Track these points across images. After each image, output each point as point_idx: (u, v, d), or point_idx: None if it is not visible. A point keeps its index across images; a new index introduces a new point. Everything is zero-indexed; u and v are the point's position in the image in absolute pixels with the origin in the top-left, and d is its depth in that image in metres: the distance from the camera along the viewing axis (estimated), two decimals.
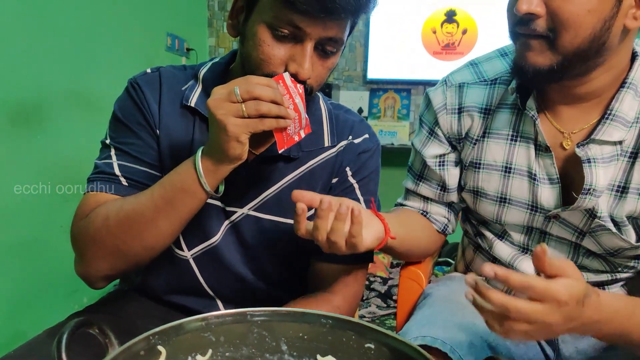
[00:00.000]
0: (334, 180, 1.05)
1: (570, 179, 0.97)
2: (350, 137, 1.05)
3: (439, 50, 3.39)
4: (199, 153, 0.85)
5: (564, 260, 0.72)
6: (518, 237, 1.06)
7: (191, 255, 1.01)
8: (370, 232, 0.86)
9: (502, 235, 1.09)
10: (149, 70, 1.01)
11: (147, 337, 0.61)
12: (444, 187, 1.11)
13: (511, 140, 1.01)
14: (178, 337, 0.65)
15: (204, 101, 0.87)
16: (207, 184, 0.84)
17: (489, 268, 0.68)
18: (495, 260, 1.10)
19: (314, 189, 1.01)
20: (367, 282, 2.83)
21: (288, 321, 0.69)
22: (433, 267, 1.34)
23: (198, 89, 0.98)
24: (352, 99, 3.48)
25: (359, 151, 1.05)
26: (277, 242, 1.02)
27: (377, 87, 3.50)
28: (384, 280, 2.88)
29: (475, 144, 1.04)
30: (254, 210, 1.01)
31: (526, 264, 1.04)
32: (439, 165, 1.09)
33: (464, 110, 1.05)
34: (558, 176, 0.96)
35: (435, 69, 3.35)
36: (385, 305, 2.68)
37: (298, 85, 0.85)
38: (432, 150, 1.09)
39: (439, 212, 1.14)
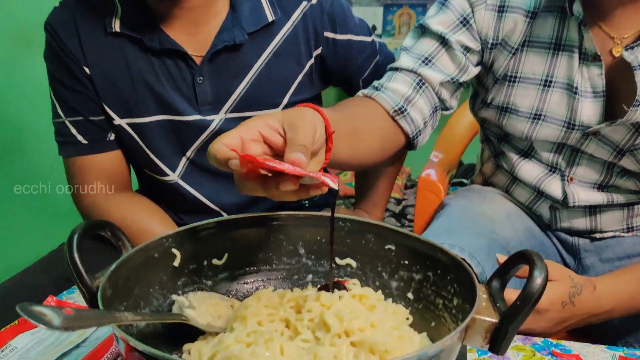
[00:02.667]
0: (318, 52, 0.99)
1: (616, 91, 0.89)
2: (305, 2, 0.97)
3: None
4: None
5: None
6: (547, 155, 0.97)
7: (178, 176, 0.99)
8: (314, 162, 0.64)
9: (528, 153, 1.02)
10: (57, 5, 0.94)
11: (160, 240, 0.60)
12: (453, 79, 0.95)
13: (553, 49, 0.92)
14: (192, 241, 0.63)
15: (129, 21, 0.86)
16: None
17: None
18: (517, 180, 1.05)
19: (292, 70, 0.97)
20: None
21: (305, 225, 0.67)
22: (449, 185, 1.32)
23: (118, 11, 0.91)
24: (365, 16, 3.31)
25: (325, 10, 0.98)
26: None
27: (392, 3, 3.34)
28: (398, 201, 2.88)
29: (513, 54, 0.95)
30: (232, 112, 0.96)
31: (554, 186, 0.98)
32: (464, 52, 0.94)
33: (507, 10, 0.92)
34: (604, 88, 0.89)
35: None
36: (399, 224, 2.69)
37: None
38: (461, 38, 0.94)
39: (422, 111, 0.94)
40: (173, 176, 0.99)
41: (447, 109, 0.99)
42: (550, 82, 0.92)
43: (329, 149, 0.62)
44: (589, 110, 0.89)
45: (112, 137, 0.97)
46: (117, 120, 0.95)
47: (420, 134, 0.95)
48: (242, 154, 0.48)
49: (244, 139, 0.53)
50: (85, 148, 0.96)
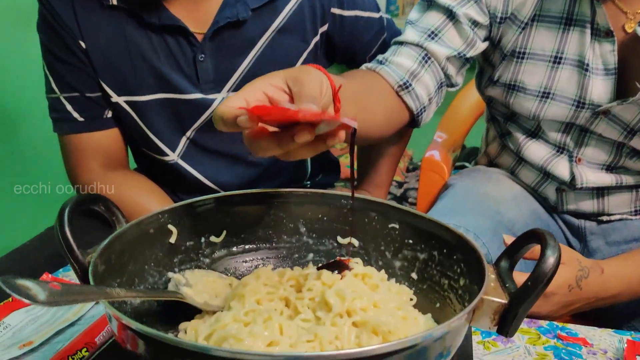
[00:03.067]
0: (324, 28, 0.96)
1: (628, 68, 0.85)
2: None
3: None
4: None
5: None
6: (554, 135, 0.95)
7: (178, 156, 0.97)
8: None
9: (535, 133, 0.99)
10: None
11: (156, 215, 0.58)
12: (460, 54, 0.91)
13: (564, 24, 0.88)
14: (190, 217, 0.61)
15: None
16: None
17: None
18: (523, 161, 1.03)
19: (296, 48, 0.94)
20: None
21: (306, 202, 0.65)
22: (453, 167, 1.29)
23: None
24: None
25: None
26: None
27: None
28: (400, 184, 2.86)
29: (523, 29, 0.91)
30: (234, 90, 0.93)
31: (562, 167, 0.95)
32: (472, 26, 0.91)
33: None
34: (616, 65, 0.85)
35: None
36: None
37: None
38: (469, 11, 0.91)
39: (427, 86, 0.90)
40: (173, 156, 0.97)
41: (452, 85, 0.96)
42: (560, 58, 0.89)
43: (337, 109, 0.58)
44: (600, 89, 0.87)
45: (109, 114, 0.95)
46: (115, 98, 0.92)
47: (424, 111, 0.92)
48: (250, 108, 0.45)
49: (248, 102, 0.49)
50: (81, 126, 0.93)
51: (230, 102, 0.48)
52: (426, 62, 0.90)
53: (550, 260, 0.43)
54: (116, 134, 0.97)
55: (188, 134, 0.96)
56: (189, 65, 0.90)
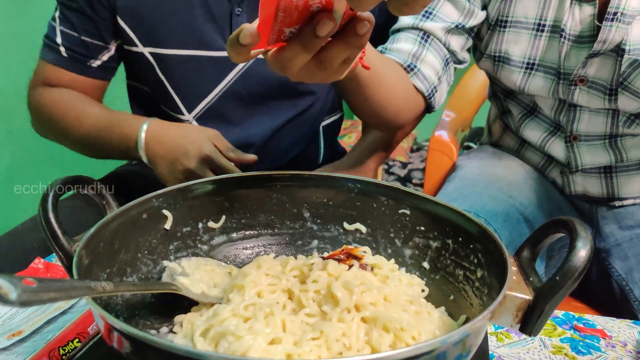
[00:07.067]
0: None
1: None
2: None
3: None
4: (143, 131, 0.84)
5: None
6: (549, 112, 0.92)
7: (193, 118, 0.94)
8: None
9: (532, 110, 0.95)
10: None
11: (149, 199, 0.53)
12: (459, 25, 0.88)
13: None
14: (186, 202, 0.57)
15: None
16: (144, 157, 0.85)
17: None
18: (523, 142, 0.99)
19: None
20: (386, 167, 2.77)
21: (311, 186, 0.61)
22: (461, 147, 1.25)
23: None
24: None
25: None
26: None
27: None
28: (404, 165, 2.82)
29: None
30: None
31: (557, 147, 0.93)
32: None
33: None
34: (595, 32, 0.80)
35: None
36: None
37: None
38: None
39: (432, 65, 0.87)
40: (188, 116, 0.94)
41: (460, 62, 0.91)
42: (543, 26, 0.85)
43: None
44: (575, 56, 0.82)
45: (96, 64, 0.92)
46: (140, 48, 0.89)
47: (436, 91, 0.88)
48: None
49: None
50: (63, 61, 0.92)
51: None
52: (426, 41, 0.86)
53: (582, 253, 0.39)
54: (93, 86, 0.94)
55: (209, 98, 0.93)
56: (224, 18, 0.88)
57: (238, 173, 0.61)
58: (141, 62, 0.91)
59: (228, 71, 0.91)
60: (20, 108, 1.97)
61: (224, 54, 0.89)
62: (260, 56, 0.45)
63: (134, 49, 0.89)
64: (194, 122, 0.94)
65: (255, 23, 0.38)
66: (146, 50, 0.89)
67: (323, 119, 1.06)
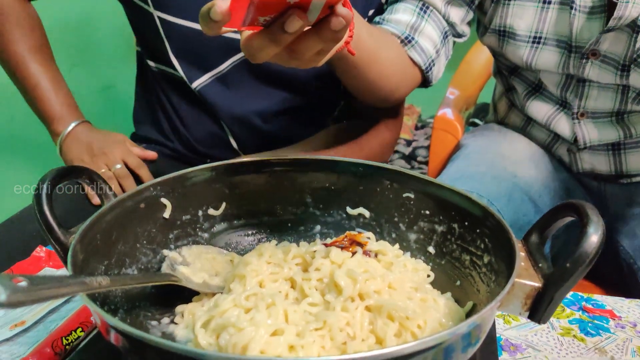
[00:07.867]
0: None
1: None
2: None
3: None
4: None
5: None
6: (555, 89, 0.90)
7: (195, 88, 0.92)
8: None
9: (538, 87, 0.93)
10: None
11: (146, 188, 0.52)
12: None
13: None
14: (185, 189, 0.56)
15: None
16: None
17: None
18: (529, 120, 0.97)
19: None
20: None
21: (313, 170, 0.59)
22: (465, 124, 1.23)
23: None
24: None
25: None
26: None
27: None
28: (408, 142, 2.79)
29: None
30: None
31: (563, 124, 0.90)
32: None
33: None
34: (606, 2, 0.77)
35: None
36: (409, 166, 2.61)
37: None
38: None
39: (431, 37, 0.85)
40: (190, 85, 0.93)
41: (459, 35, 0.89)
42: None
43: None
44: (587, 28, 0.80)
45: None
46: (150, 9, 0.87)
47: (433, 65, 0.85)
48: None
49: None
50: None
51: None
52: (425, 12, 0.83)
53: (593, 238, 0.37)
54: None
55: (213, 72, 0.91)
56: None
57: (237, 159, 0.60)
58: (149, 22, 0.88)
59: (234, 53, 0.88)
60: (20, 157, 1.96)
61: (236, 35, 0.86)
62: None
63: (147, 9, 0.87)
64: (196, 90, 0.92)
65: (229, 1, 0.36)
66: (155, 14, 0.87)
67: (340, 103, 1.03)
